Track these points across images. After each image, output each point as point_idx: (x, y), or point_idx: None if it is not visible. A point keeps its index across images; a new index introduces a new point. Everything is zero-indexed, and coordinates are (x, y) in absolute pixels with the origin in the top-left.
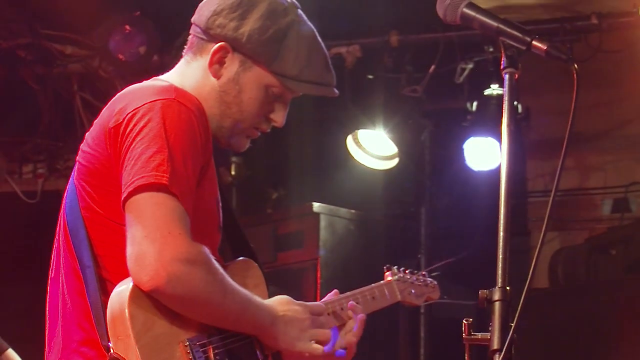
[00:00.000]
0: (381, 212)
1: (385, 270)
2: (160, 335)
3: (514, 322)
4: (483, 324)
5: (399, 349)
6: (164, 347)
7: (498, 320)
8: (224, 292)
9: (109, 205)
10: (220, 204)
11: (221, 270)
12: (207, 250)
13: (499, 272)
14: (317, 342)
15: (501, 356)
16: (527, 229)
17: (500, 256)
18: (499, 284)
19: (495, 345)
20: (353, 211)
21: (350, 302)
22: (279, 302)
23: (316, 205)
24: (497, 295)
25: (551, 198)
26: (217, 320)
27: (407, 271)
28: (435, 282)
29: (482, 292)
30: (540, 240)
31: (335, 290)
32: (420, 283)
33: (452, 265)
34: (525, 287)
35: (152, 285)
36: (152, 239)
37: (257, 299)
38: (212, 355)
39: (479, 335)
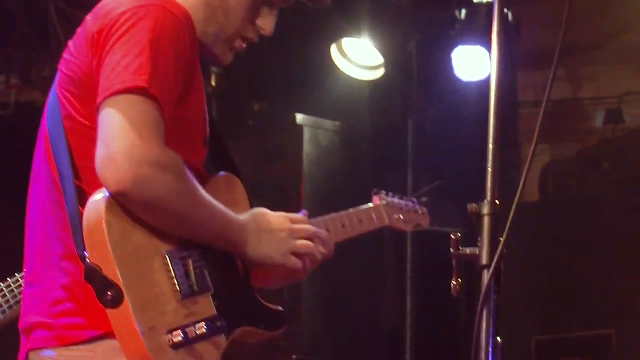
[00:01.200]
0: (367, 125)
1: (373, 194)
2: (138, 246)
3: (503, 236)
4: (472, 238)
5: (384, 266)
6: (141, 258)
7: (487, 235)
8: (194, 202)
9: (91, 115)
10: (207, 117)
11: (194, 181)
12: (180, 159)
13: (488, 185)
14: (297, 255)
15: (490, 271)
16: (518, 142)
17: (490, 169)
18: (488, 198)
19: (484, 260)
20: (337, 123)
21: (321, 230)
22: (254, 214)
23: (299, 117)
24: (486, 209)
25: (542, 109)
26: (185, 231)
27: (395, 196)
28: (425, 209)
29: (471, 206)
30: (530, 153)
31: (304, 212)
32: (408, 209)
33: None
34: (515, 200)
35: (119, 187)
36: (121, 140)
37: (231, 213)
38: (191, 269)
39: (467, 250)
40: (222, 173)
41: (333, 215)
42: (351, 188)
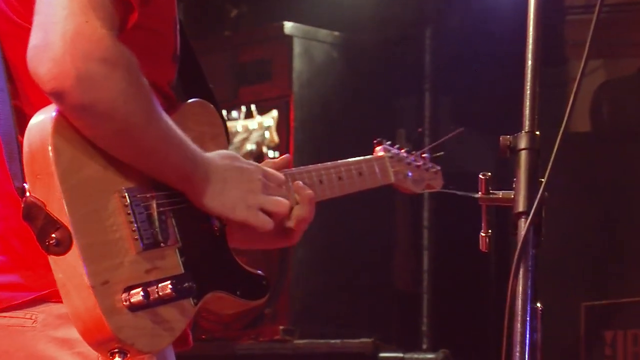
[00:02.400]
0: (373, 35)
1: (374, 145)
2: (91, 179)
3: (545, 176)
4: (505, 179)
5: (395, 211)
6: (94, 195)
7: (525, 175)
8: (149, 116)
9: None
10: (178, 28)
11: (152, 94)
12: (135, 60)
13: (526, 112)
14: (267, 213)
15: (529, 220)
16: (564, 56)
17: (528, 92)
18: (526, 128)
19: (521, 206)
20: (336, 33)
21: (298, 182)
22: (222, 155)
23: (288, 26)
24: (523, 142)
25: (595, 15)
26: (131, 153)
27: (403, 150)
28: (438, 168)
29: (504, 139)
30: (580, 71)
31: (287, 155)
32: (419, 165)
33: (463, 104)
34: (561, 131)
35: (56, 85)
36: (64, 25)
37: (194, 145)
38: (155, 213)
39: (500, 193)
40: (194, 100)
41: (327, 164)
42: (352, 116)
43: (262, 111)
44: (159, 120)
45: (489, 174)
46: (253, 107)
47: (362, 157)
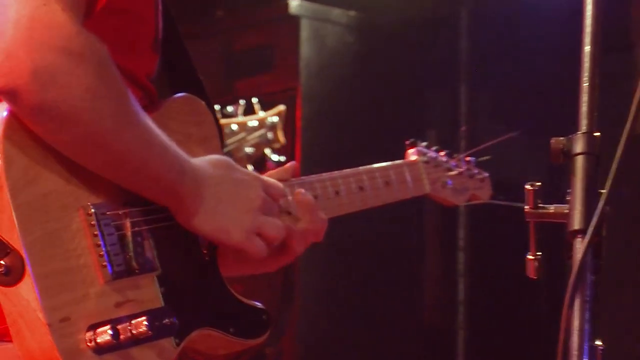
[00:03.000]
0: (396, 16)
1: (406, 147)
2: (50, 194)
3: (607, 186)
4: (558, 191)
5: (424, 231)
6: (54, 212)
7: (581, 185)
8: (123, 116)
9: None
10: (161, 10)
11: (128, 92)
12: (105, 50)
13: (583, 109)
14: (264, 237)
15: (586, 240)
16: (630, 41)
17: (586, 84)
18: (584, 129)
19: (577, 223)
20: (352, 13)
21: (299, 190)
22: (215, 163)
23: (294, 4)
24: (579, 146)
25: None
26: (101, 162)
27: (442, 152)
28: (486, 175)
29: (557, 142)
30: None
31: (292, 163)
32: (461, 171)
33: (507, 99)
34: (625, 131)
35: (7, 81)
36: (15, 10)
37: (179, 150)
38: (128, 233)
39: (551, 208)
40: (181, 95)
41: (346, 172)
42: (372, 116)
43: (266, 106)
44: (135, 122)
45: (538, 184)
46: (255, 100)
47: (390, 163)
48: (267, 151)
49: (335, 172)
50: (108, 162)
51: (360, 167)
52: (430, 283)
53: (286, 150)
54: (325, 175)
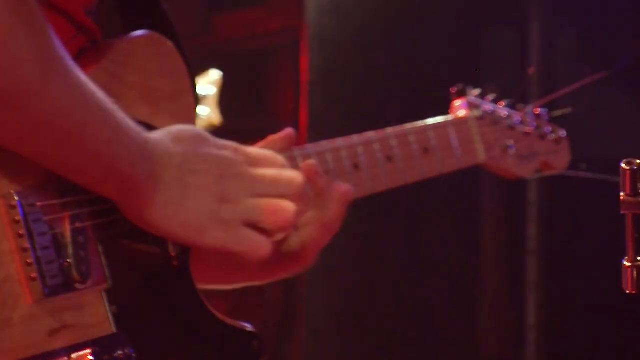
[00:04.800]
0: None
1: (452, 97)
2: None
3: None
4: None
5: (480, 230)
6: None
7: None
8: (44, 67)
9: None
10: None
11: (45, 22)
12: None
13: None
14: (260, 225)
15: None
16: None
17: None
18: None
19: None
20: None
21: (309, 161)
22: (178, 136)
23: None
24: None
25: None
26: (18, 134)
27: (501, 104)
28: (563, 134)
29: None
30: None
31: (289, 129)
32: (528, 130)
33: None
34: None
35: None
36: None
37: (126, 118)
38: (67, 232)
39: None
40: (139, 33)
41: (368, 136)
42: (409, 65)
43: (252, 64)
44: (62, 72)
45: (638, 161)
46: None
47: (429, 121)
48: None
49: (354, 136)
50: (26, 135)
51: (388, 129)
52: (489, 300)
53: (287, 116)
54: (339, 141)
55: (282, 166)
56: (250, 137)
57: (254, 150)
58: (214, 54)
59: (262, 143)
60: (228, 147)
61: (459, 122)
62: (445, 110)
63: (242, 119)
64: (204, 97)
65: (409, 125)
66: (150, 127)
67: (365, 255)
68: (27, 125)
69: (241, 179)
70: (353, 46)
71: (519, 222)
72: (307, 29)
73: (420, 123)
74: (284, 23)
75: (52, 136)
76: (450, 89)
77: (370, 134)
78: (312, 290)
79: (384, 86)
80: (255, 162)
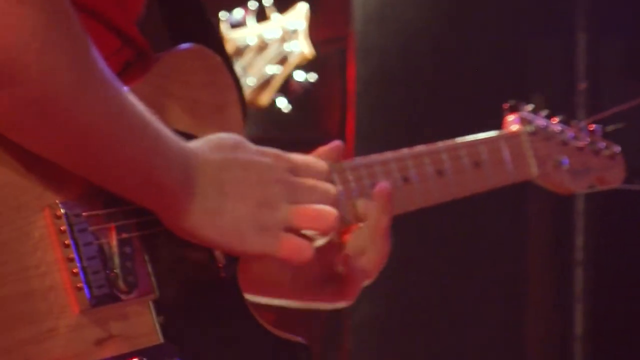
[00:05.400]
0: None
1: (505, 112)
2: (3, 187)
3: None
4: None
5: (527, 236)
6: (6, 214)
7: None
8: (83, 77)
9: None
10: None
11: (84, 33)
12: None
13: None
14: (299, 230)
15: None
16: None
17: None
18: None
19: None
20: None
21: (382, 184)
22: (216, 145)
23: None
24: None
25: None
26: (55, 143)
27: (555, 119)
28: (618, 149)
29: None
30: None
31: (337, 142)
32: (581, 146)
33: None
34: None
35: None
36: None
37: (166, 129)
38: (113, 242)
39: None
40: (186, 46)
41: (419, 149)
42: (457, 74)
43: (283, 7)
44: (100, 83)
45: None
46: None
47: (481, 135)
48: (296, 73)
49: (404, 150)
50: (60, 139)
51: (439, 143)
52: (535, 308)
53: (333, 124)
54: (388, 154)
55: (324, 172)
56: (298, 148)
57: (296, 156)
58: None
59: (310, 155)
60: (268, 154)
61: (511, 137)
62: (492, 120)
63: (289, 129)
64: (294, 31)
65: (459, 139)
66: (196, 139)
67: (409, 265)
68: (63, 134)
69: (281, 184)
70: (400, 56)
71: (567, 232)
72: (354, 38)
73: (472, 137)
74: (330, 33)
75: (89, 148)
76: (503, 105)
77: (421, 148)
78: (356, 300)
79: (431, 96)
80: (297, 168)
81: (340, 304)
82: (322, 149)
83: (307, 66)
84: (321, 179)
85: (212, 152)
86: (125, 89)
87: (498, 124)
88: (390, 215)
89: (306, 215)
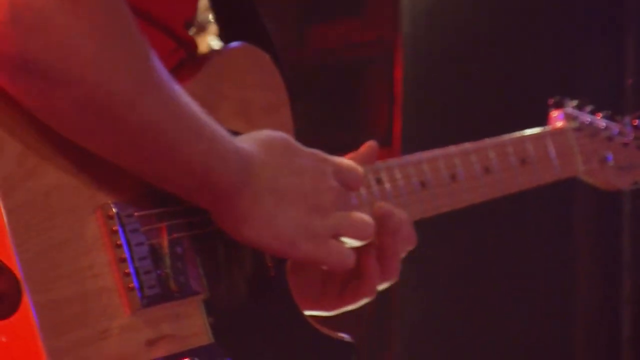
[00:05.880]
0: None
1: (550, 107)
2: (53, 191)
3: None
4: None
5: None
6: (59, 216)
7: None
8: (140, 77)
9: None
10: None
11: (139, 33)
12: None
13: None
14: (343, 237)
15: None
16: None
17: None
18: None
19: None
20: None
21: (383, 205)
22: (270, 146)
23: None
24: None
25: None
26: (111, 141)
27: (599, 115)
28: None
29: None
30: None
31: (371, 142)
32: (627, 141)
33: None
34: None
35: None
36: None
37: (221, 129)
38: (165, 243)
39: None
40: (236, 45)
41: (465, 147)
42: (502, 75)
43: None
44: (157, 82)
45: None
46: None
47: (526, 132)
48: None
49: (451, 147)
50: (118, 140)
51: (486, 140)
52: (583, 314)
53: (380, 126)
54: (437, 151)
55: (362, 177)
56: (344, 150)
57: (340, 160)
58: (307, 65)
59: (346, 157)
60: (317, 157)
61: (557, 133)
62: (540, 122)
63: (336, 131)
64: None
65: (506, 136)
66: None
67: (457, 268)
68: (122, 136)
69: (331, 191)
70: (448, 57)
71: (613, 234)
72: (401, 40)
73: (518, 134)
74: (378, 34)
75: (146, 147)
76: (548, 101)
77: (467, 145)
78: (404, 304)
79: (478, 98)
80: (340, 173)
81: (363, 301)
82: (359, 152)
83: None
84: (361, 184)
85: (267, 155)
86: (180, 89)
87: (544, 123)
88: (392, 235)
89: (353, 224)
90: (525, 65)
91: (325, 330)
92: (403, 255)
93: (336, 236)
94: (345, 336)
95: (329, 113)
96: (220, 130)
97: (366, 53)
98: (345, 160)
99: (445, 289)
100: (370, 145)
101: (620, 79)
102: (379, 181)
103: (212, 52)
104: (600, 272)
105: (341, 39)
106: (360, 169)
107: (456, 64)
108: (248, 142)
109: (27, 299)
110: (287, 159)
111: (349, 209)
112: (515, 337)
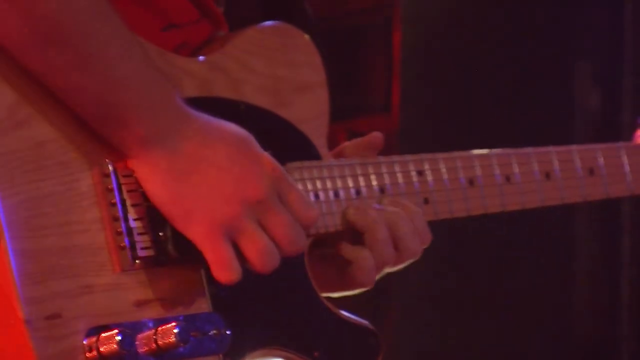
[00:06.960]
0: None
1: (638, 126)
2: (46, 143)
3: None
4: None
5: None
6: (51, 168)
7: None
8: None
9: None
10: None
11: None
12: None
13: None
14: (240, 250)
15: None
16: None
17: None
18: None
19: None
20: None
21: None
22: (222, 129)
23: None
24: None
25: None
26: (20, 30)
27: None
28: None
29: None
30: None
31: (375, 133)
32: None
33: None
34: None
35: None
36: None
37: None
38: None
39: None
40: (269, 22)
41: (527, 149)
42: (498, 41)
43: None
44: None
45: None
46: None
47: (601, 146)
48: None
49: (508, 150)
50: (27, 30)
51: (551, 147)
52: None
53: (378, 92)
54: (495, 151)
55: (311, 219)
56: (343, 115)
57: (293, 187)
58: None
59: (348, 144)
60: (266, 162)
61: (635, 149)
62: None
63: (335, 96)
64: None
65: (575, 146)
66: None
67: (457, 268)
68: (29, 22)
69: (256, 194)
70: (446, 23)
71: (613, 233)
72: (399, 6)
73: (590, 145)
74: (376, 0)
75: (83, 59)
76: (638, 119)
77: (529, 149)
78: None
79: (476, 64)
80: (286, 188)
81: (359, 289)
82: (363, 139)
83: (352, 34)
84: (302, 207)
85: (212, 132)
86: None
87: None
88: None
89: (256, 247)
90: (525, 27)
91: (341, 313)
92: (417, 251)
93: (234, 241)
94: (363, 321)
95: (328, 79)
96: (162, 78)
97: (364, 20)
98: (300, 192)
99: (445, 288)
100: (374, 135)
101: (619, 53)
102: (420, 173)
103: (248, 28)
104: (600, 272)
105: (340, 6)
106: (314, 212)
107: (455, 30)
108: (203, 116)
109: (5, 245)
110: (230, 147)
111: (271, 224)
112: (515, 337)
